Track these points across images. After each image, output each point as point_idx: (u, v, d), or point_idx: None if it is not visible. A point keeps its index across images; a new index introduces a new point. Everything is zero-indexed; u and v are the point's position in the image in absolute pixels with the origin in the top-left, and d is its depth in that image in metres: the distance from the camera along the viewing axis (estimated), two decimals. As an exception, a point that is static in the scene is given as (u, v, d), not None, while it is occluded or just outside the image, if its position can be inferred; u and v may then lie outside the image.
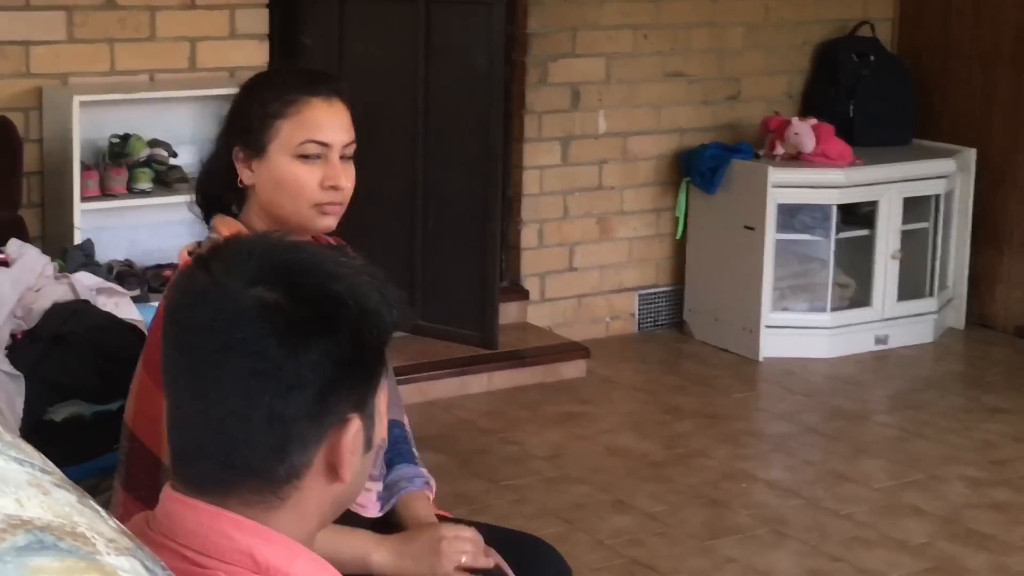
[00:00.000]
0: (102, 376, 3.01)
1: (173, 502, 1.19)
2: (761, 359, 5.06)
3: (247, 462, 1.17)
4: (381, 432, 1.24)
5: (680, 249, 5.41)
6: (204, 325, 1.17)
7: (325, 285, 1.17)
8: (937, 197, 5.35)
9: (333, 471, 1.19)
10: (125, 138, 4.31)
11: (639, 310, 5.41)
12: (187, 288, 1.20)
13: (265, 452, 1.17)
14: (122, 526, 1.11)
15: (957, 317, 5.51)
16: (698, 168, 5.22)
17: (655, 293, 5.44)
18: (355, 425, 1.18)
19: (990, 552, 3.61)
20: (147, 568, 1.05)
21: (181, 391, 1.20)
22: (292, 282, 1.17)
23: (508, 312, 4.97)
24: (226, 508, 1.17)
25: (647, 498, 3.90)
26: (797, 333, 5.12)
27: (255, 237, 1.24)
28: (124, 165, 4.25)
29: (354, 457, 1.20)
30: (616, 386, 4.85)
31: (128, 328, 3.10)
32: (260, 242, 1.22)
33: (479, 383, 4.69)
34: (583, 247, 5.29)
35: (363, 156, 4.99)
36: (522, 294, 5.16)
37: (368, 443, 1.21)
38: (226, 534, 1.16)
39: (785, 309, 5.16)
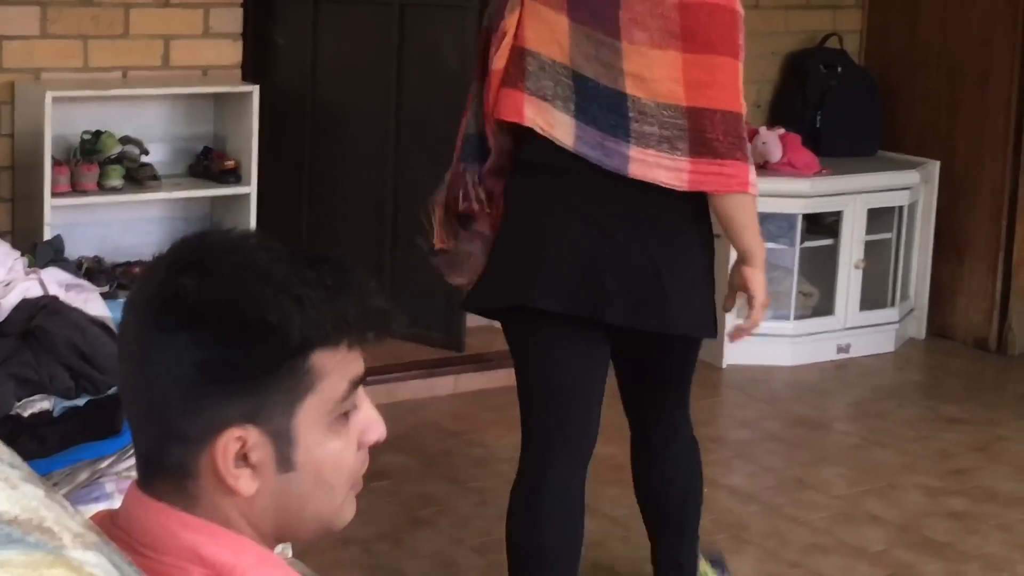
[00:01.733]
0: (71, 372, 3.03)
1: (131, 498, 1.20)
2: (724, 366, 5.12)
3: (143, 452, 1.19)
4: (318, 453, 1.18)
5: (647, 255, 5.46)
6: (139, 306, 1.20)
7: (211, 285, 1.15)
8: (901, 208, 5.42)
9: (223, 482, 1.17)
10: (97, 135, 4.32)
11: (605, 315, 5.45)
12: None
13: (151, 442, 1.18)
14: (89, 521, 1.14)
15: (918, 328, 5.59)
16: (666, 175, 5.26)
17: (621, 299, 5.47)
18: (235, 433, 1.15)
19: (946, 560, 3.67)
20: (114, 563, 1.07)
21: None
22: (190, 276, 1.16)
23: (475, 315, 5.00)
24: (157, 498, 1.18)
25: (610, 502, 3.94)
26: (760, 341, 5.16)
27: (218, 231, 1.23)
28: (95, 162, 4.27)
29: (259, 473, 1.16)
30: (581, 390, 4.88)
31: (97, 324, 3.13)
32: (208, 234, 1.22)
33: (446, 385, 4.73)
34: (551, 251, 5.32)
35: (335, 155, 5.06)
36: (490, 297, 5.19)
37: (285, 463, 1.17)
38: (172, 532, 1.16)
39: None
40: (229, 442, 1.15)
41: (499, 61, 2.62)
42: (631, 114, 2.57)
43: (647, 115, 2.56)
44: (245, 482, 1.17)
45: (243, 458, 1.16)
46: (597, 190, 2.63)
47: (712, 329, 2.90)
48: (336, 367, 1.18)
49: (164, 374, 1.15)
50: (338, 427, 1.20)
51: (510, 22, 2.61)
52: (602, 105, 2.57)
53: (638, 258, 2.65)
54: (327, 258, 1.20)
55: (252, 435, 1.16)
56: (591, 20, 2.56)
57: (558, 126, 2.60)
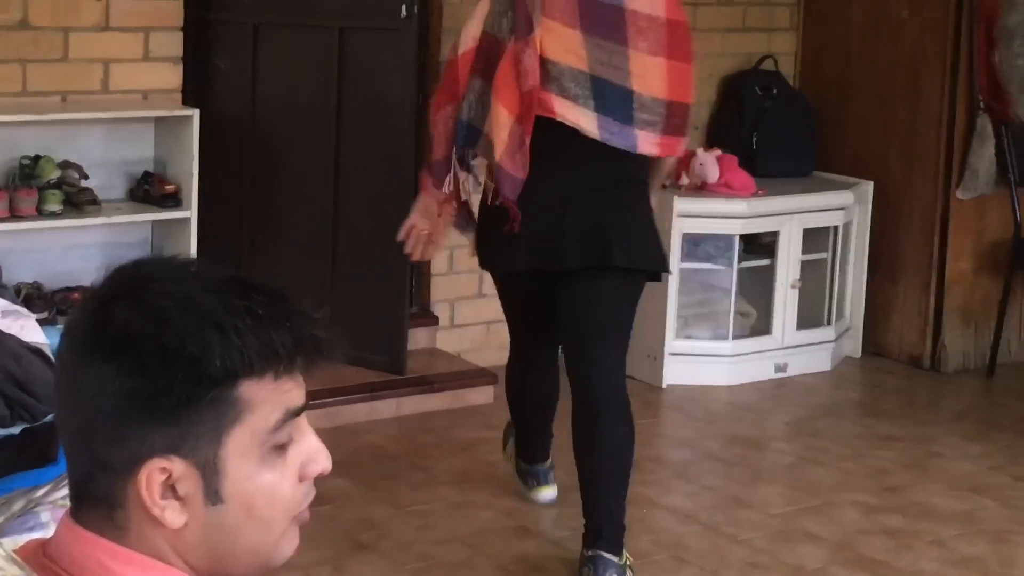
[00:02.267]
0: (6, 399, 3.01)
1: (63, 528, 1.20)
2: (664, 386, 5.17)
3: (73, 476, 1.18)
4: (248, 486, 1.17)
5: (587, 276, 5.50)
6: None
7: (133, 314, 1.14)
8: (836, 228, 5.50)
9: (150, 514, 1.16)
10: (36, 159, 4.30)
11: (546, 336, 5.49)
12: None
13: (80, 472, 1.17)
14: (12, 553, 1.15)
15: (854, 346, 5.67)
16: (605, 197, 5.32)
17: (562, 320, 5.52)
18: (158, 464, 1.14)
19: (881, 578, 3.74)
20: None
21: None
22: (117, 305, 1.16)
23: (417, 338, 5.02)
24: (87, 528, 1.17)
25: (551, 524, 3.97)
26: (699, 361, 5.24)
27: (154, 259, 1.23)
28: (34, 187, 4.25)
29: (187, 505, 1.15)
30: (522, 411, 4.92)
31: (33, 351, 3.11)
32: (143, 262, 1.21)
33: (388, 408, 4.74)
34: (492, 273, 5.35)
35: (275, 179, 5.06)
36: (432, 320, 5.22)
37: (213, 495, 1.15)
38: (101, 563, 1.16)
39: (688, 337, 5.28)
40: (153, 472, 1.14)
41: (534, 69, 3.36)
42: (635, 105, 3.41)
43: (644, 106, 3.41)
44: (172, 514, 1.15)
45: (171, 489, 1.15)
46: (588, 165, 3.48)
47: (665, 264, 3.75)
48: (267, 397, 1.16)
49: (89, 402, 1.14)
50: (272, 459, 1.18)
51: (537, 36, 3.36)
52: (615, 99, 3.39)
53: (601, 213, 3.48)
54: (262, 287, 1.18)
55: (177, 466, 1.14)
56: (604, 33, 3.37)
57: (584, 119, 3.40)
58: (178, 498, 1.15)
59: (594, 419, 3.52)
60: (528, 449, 4.01)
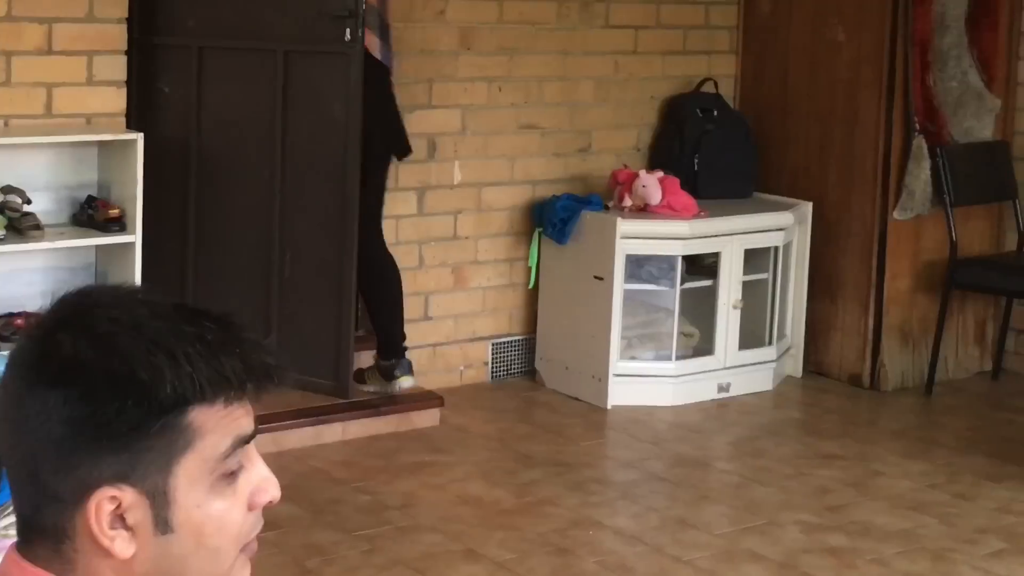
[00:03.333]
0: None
1: (8, 561, 1.19)
2: (609, 407, 5.21)
3: (20, 514, 1.17)
4: (197, 514, 1.15)
5: (532, 299, 5.55)
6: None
7: (81, 341, 1.13)
8: (776, 249, 5.57)
9: (99, 545, 1.14)
10: (-22, 185, 4.27)
11: (492, 359, 5.52)
12: None
13: (26, 505, 1.16)
14: None
15: (795, 365, 5.74)
16: (550, 219, 5.36)
17: (508, 342, 5.56)
18: (107, 493, 1.12)
19: (823, 596, 3.79)
20: None
21: None
22: (62, 333, 1.14)
23: (363, 361, 5.02)
24: (34, 562, 1.15)
25: (496, 546, 3.99)
26: (644, 381, 5.29)
27: (99, 288, 1.22)
28: (-24, 212, 4.22)
29: (136, 535, 1.14)
30: (469, 435, 4.94)
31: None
32: (87, 291, 1.20)
33: (333, 432, 4.74)
34: (438, 296, 5.38)
35: (220, 203, 5.05)
36: (377, 342, 5.22)
37: (163, 524, 1.14)
38: None
39: (633, 358, 5.32)
40: (102, 502, 1.12)
41: None
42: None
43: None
44: (121, 544, 1.13)
45: (120, 519, 1.14)
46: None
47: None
48: (217, 424, 1.15)
49: (36, 431, 1.13)
50: (222, 487, 1.17)
51: None
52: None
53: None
54: (210, 313, 1.17)
55: (127, 495, 1.13)
56: None
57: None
58: (127, 528, 1.14)
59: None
60: (391, 345, 4.84)
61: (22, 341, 1.18)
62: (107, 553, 1.14)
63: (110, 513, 1.13)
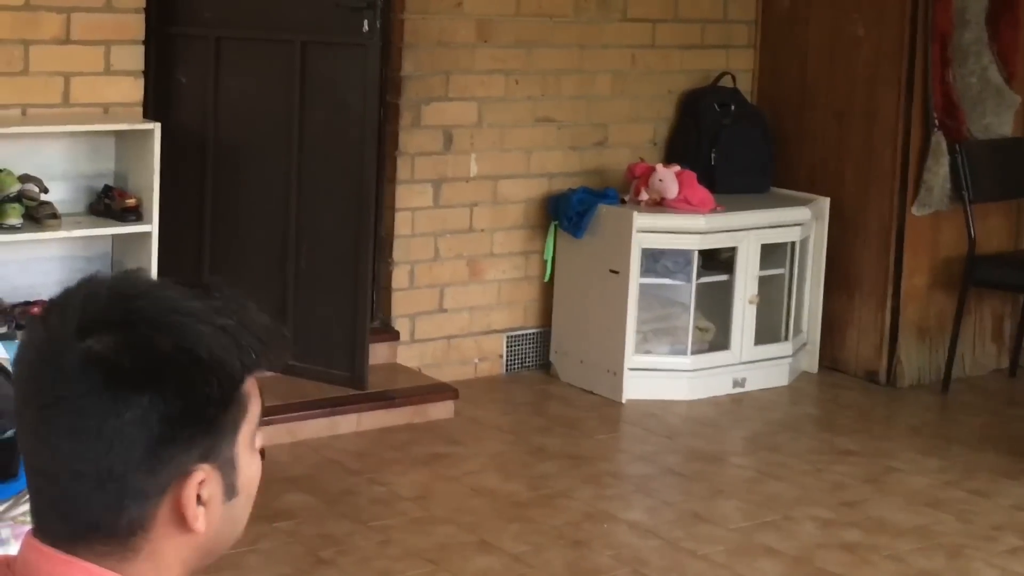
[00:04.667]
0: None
1: (29, 549, 1.19)
2: (624, 401, 5.20)
3: (86, 518, 1.16)
4: (249, 472, 1.21)
5: (548, 292, 5.54)
6: (32, 381, 1.16)
7: (153, 337, 1.14)
8: (793, 244, 5.55)
9: (183, 524, 1.17)
10: (-5, 173, 4.28)
11: (507, 352, 5.52)
12: (24, 340, 1.19)
13: (101, 508, 1.15)
14: None
15: (811, 361, 5.72)
16: (566, 212, 5.35)
17: (523, 335, 5.55)
18: (198, 477, 1.16)
19: (838, 592, 3.78)
20: None
21: (25, 444, 1.19)
22: (123, 333, 1.14)
23: (378, 352, 5.03)
24: (80, 557, 1.16)
25: (511, 539, 3.99)
26: (659, 376, 5.28)
27: (100, 280, 1.20)
28: (-7, 200, 4.22)
29: (211, 508, 1.18)
30: (483, 427, 4.94)
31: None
32: (103, 285, 1.18)
33: (348, 423, 4.74)
34: (453, 289, 5.38)
35: (237, 193, 5.07)
36: (392, 335, 5.23)
37: (230, 490, 1.19)
38: None
39: (647, 352, 5.31)
40: (192, 487, 1.16)
41: None
42: None
43: None
44: (202, 520, 1.17)
45: (198, 496, 1.18)
46: None
47: None
48: (255, 388, 1.21)
49: (131, 436, 1.13)
50: (254, 443, 1.23)
51: None
52: None
53: None
54: (214, 285, 1.21)
55: (209, 472, 1.17)
56: None
57: None
58: (203, 503, 1.18)
59: None
60: None
61: (53, 350, 1.15)
62: (186, 532, 1.17)
63: (197, 494, 1.17)
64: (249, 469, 1.22)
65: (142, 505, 1.16)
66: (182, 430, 1.15)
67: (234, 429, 1.19)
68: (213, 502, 1.19)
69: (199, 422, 1.16)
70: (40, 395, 1.16)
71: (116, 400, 1.13)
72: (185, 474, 1.16)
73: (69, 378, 1.14)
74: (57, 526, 1.18)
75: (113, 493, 1.16)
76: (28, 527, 1.23)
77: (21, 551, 1.20)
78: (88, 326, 1.14)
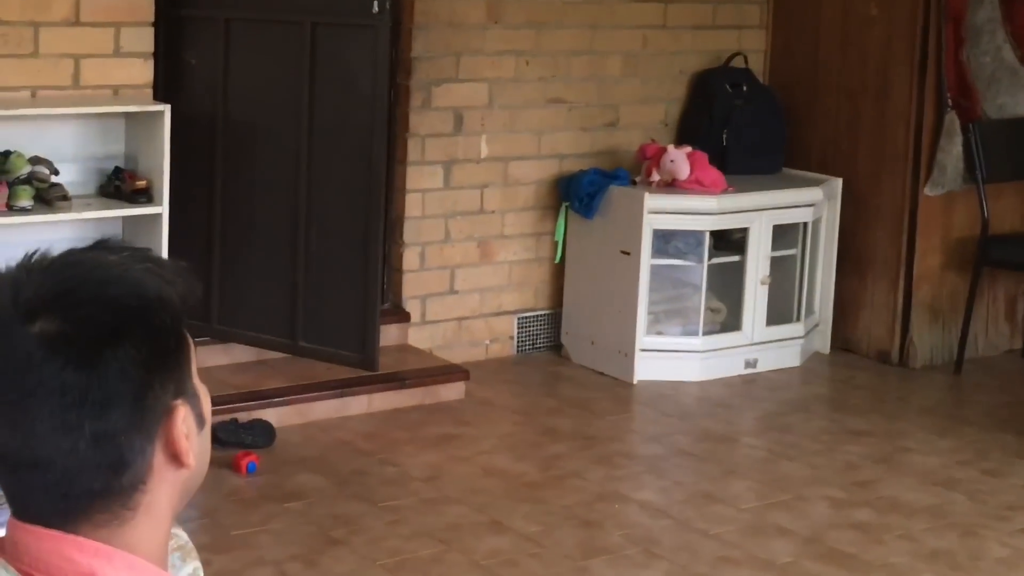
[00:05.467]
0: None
1: (16, 529, 1.19)
2: (635, 382, 5.19)
3: (86, 487, 1.16)
4: (207, 400, 1.25)
5: (559, 273, 5.53)
6: None
7: (100, 295, 1.15)
8: (805, 225, 5.53)
9: (176, 461, 1.19)
10: (6, 155, 4.28)
11: (518, 333, 5.51)
12: None
13: (101, 472, 1.16)
14: None
15: (823, 342, 5.71)
16: (577, 193, 5.34)
17: (533, 316, 5.54)
18: (182, 411, 1.19)
19: (851, 571, 3.76)
20: None
21: (1, 441, 1.17)
22: (67, 304, 1.14)
23: (389, 334, 5.03)
24: (77, 534, 1.17)
25: (522, 519, 3.99)
26: (670, 356, 5.27)
27: (15, 268, 1.19)
28: (4, 182, 4.22)
29: (191, 441, 1.20)
30: (494, 408, 4.94)
31: None
32: (22, 272, 1.18)
33: (359, 405, 4.74)
34: (464, 270, 5.37)
35: (247, 175, 5.06)
36: (403, 316, 5.23)
37: (200, 420, 1.22)
38: (67, 556, 1.16)
39: (659, 333, 5.30)
40: (179, 423, 1.18)
41: None
42: None
43: None
44: (192, 454, 1.20)
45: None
46: None
47: None
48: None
49: (110, 400, 1.14)
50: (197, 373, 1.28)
51: None
52: None
53: None
54: (110, 241, 1.23)
55: (185, 407, 1.20)
56: None
57: None
58: (186, 437, 1.20)
59: None
60: None
61: (23, 344, 1.14)
62: (179, 470, 1.20)
63: (182, 424, 1.19)
64: (206, 398, 1.25)
65: (140, 457, 1.17)
66: (156, 371, 1.17)
67: (188, 360, 1.22)
68: (192, 434, 1.21)
69: (167, 359, 1.18)
70: (11, 389, 1.14)
71: (94, 366, 1.14)
72: (169, 413, 1.18)
73: (38, 363, 1.13)
74: (48, 511, 1.18)
75: (110, 454, 1.16)
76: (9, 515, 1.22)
77: (9, 534, 1.20)
78: (31, 311, 1.14)
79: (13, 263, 1.20)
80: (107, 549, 1.17)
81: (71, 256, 1.20)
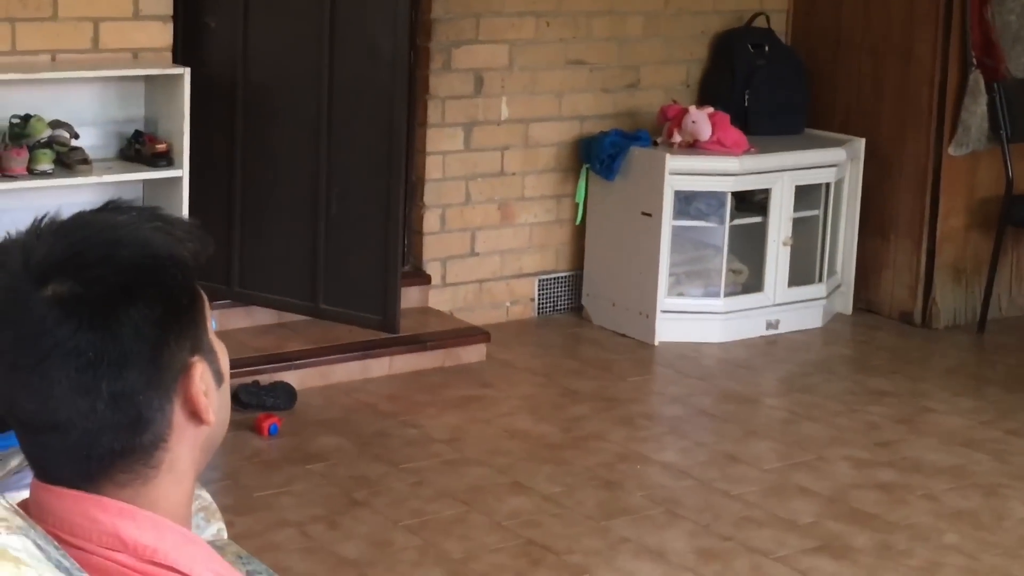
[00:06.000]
0: None
1: (39, 490, 1.20)
2: (657, 343, 5.18)
3: (107, 448, 1.17)
4: (224, 356, 1.25)
5: (579, 235, 5.52)
6: (12, 343, 1.15)
7: (110, 256, 1.15)
8: (827, 185, 5.50)
9: (195, 418, 1.20)
10: (26, 119, 4.28)
11: (539, 295, 5.51)
12: None
13: (122, 432, 1.17)
14: (14, 506, 1.14)
15: (845, 303, 5.68)
16: (598, 155, 5.32)
17: (554, 278, 5.54)
18: (199, 368, 1.20)
19: (874, 531, 3.76)
20: (39, 547, 1.08)
21: (20, 406, 1.17)
22: (78, 266, 1.14)
23: (410, 296, 5.03)
24: (101, 495, 1.17)
25: (544, 480, 3.99)
26: (691, 318, 5.25)
27: (24, 234, 1.19)
28: (25, 146, 4.23)
29: (210, 397, 1.21)
30: (515, 370, 4.94)
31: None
32: (32, 237, 1.18)
33: (380, 367, 4.75)
34: (484, 232, 5.36)
35: (267, 138, 5.05)
36: (424, 278, 5.22)
37: (218, 376, 1.23)
38: (91, 516, 1.16)
39: (680, 294, 5.29)
40: (197, 380, 1.19)
41: None
42: None
43: None
44: (211, 411, 1.21)
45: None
46: None
47: None
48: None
49: (127, 359, 1.14)
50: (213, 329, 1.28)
51: None
52: None
53: None
54: (119, 202, 1.23)
55: (202, 363, 1.20)
56: None
57: None
58: (205, 394, 1.21)
59: None
60: None
61: (23, 308, 1.14)
62: (199, 427, 1.20)
63: (200, 381, 1.20)
64: (224, 354, 1.25)
65: (159, 415, 1.18)
66: (171, 329, 1.17)
67: (204, 316, 1.22)
68: (211, 391, 1.22)
69: (181, 316, 1.19)
70: (27, 354, 1.14)
71: (108, 326, 1.14)
72: (186, 370, 1.19)
73: (52, 326, 1.13)
74: (71, 474, 1.18)
75: (129, 413, 1.17)
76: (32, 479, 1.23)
77: (32, 495, 1.21)
78: (42, 274, 1.14)
79: (16, 232, 1.19)
80: (131, 508, 1.18)
81: (80, 218, 1.21)
